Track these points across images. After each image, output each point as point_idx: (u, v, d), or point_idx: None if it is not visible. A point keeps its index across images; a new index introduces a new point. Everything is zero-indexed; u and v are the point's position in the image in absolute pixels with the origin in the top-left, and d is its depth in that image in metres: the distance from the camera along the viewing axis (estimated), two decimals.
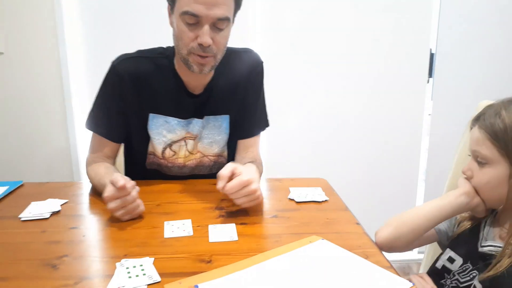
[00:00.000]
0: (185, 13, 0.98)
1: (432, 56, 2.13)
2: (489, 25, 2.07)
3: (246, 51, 1.23)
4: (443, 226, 0.95)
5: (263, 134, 1.29)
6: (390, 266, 0.76)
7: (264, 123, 1.29)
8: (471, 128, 0.86)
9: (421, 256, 2.30)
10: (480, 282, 0.79)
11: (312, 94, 2.08)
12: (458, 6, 2.04)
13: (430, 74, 2.16)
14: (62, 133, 1.99)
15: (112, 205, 0.90)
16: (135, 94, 1.12)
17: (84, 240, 0.85)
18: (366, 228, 0.92)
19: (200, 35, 1.00)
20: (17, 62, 1.92)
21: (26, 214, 0.97)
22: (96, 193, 1.08)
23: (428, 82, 2.16)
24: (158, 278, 0.70)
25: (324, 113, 2.11)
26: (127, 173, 1.32)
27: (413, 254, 2.32)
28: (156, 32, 1.77)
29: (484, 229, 0.86)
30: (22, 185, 1.18)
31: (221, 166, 1.26)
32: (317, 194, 1.10)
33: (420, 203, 2.17)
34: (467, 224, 0.90)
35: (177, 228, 0.90)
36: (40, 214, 0.97)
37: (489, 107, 0.85)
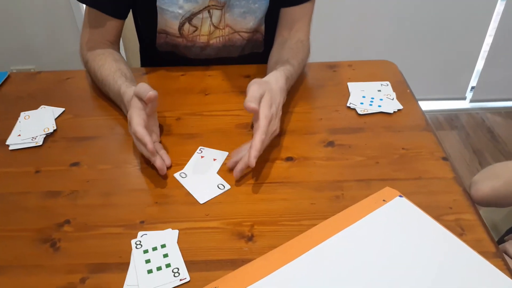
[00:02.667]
0: None
1: None
2: None
3: None
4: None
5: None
6: (495, 253, 0.55)
7: None
8: None
9: (475, 105, 2.09)
10: None
11: None
12: None
13: None
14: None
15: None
16: None
17: (89, 190, 0.67)
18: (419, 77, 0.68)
19: None
20: None
21: (15, 139, 0.77)
22: (102, 95, 0.85)
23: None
24: (187, 276, 0.54)
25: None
26: (142, 58, 1.07)
27: (465, 103, 2.09)
28: None
29: None
30: (8, 78, 0.94)
31: (255, 46, 0.97)
32: (386, 97, 0.82)
33: None
34: None
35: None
36: (32, 138, 0.76)
37: None
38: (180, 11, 0.86)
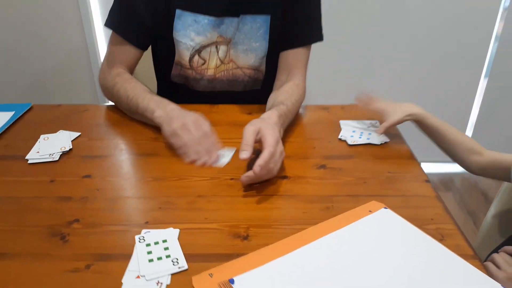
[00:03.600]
0: None
1: None
2: None
3: None
4: None
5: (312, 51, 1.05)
6: (473, 255, 0.60)
7: (316, 35, 1.03)
8: None
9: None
10: None
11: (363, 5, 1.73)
12: None
13: None
14: (78, 33, 1.78)
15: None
16: None
17: (98, 196, 0.72)
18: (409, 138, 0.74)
19: None
20: None
21: (33, 155, 0.84)
22: (114, 123, 0.94)
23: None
24: (185, 264, 0.58)
25: (381, 24, 1.78)
26: (158, 88, 1.19)
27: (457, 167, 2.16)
28: None
29: None
30: (31, 108, 1.03)
31: (256, 83, 1.07)
32: (375, 131, 0.90)
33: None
34: None
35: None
36: (49, 154, 0.84)
37: None
38: (191, 43, 0.98)
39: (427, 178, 0.77)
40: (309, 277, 0.56)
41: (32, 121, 0.98)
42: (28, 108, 1.03)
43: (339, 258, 0.59)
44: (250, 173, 0.70)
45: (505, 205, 0.95)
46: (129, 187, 0.75)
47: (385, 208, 0.68)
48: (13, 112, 1.01)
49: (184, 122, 0.83)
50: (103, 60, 1.02)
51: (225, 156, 0.83)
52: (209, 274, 0.56)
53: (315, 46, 1.04)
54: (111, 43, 1.00)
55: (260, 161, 0.70)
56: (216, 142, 0.84)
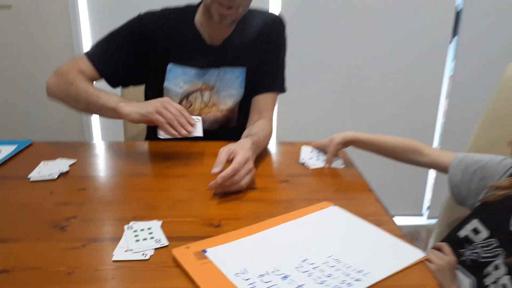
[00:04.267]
0: None
1: (458, 13, 2.01)
2: None
3: (269, 12, 1.23)
4: (458, 176, 0.92)
5: (279, 101, 1.25)
6: (402, 235, 0.73)
7: (281, 86, 1.25)
8: None
9: (432, 221, 2.30)
10: (506, 264, 0.74)
11: (330, 56, 2.01)
12: None
13: (455, 33, 2.05)
14: None
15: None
16: (157, 44, 1.14)
17: (92, 202, 0.85)
18: (380, 194, 0.89)
19: None
20: (25, 15, 1.87)
21: (35, 175, 0.96)
22: (107, 154, 1.07)
23: (451, 42, 2.05)
24: (166, 242, 0.69)
25: (342, 76, 2.05)
26: (148, 131, 1.35)
27: (423, 220, 2.31)
28: None
29: None
30: (31, 144, 1.17)
31: (231, 121, 1.25)
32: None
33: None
34: (500, 194, 0.82)
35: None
36: (49, 174, 0.96)
37: None
38: (180, 90, 1.17)
39: (371, 188, 0.92)
40: (267, 250, 0.68)
41: (32, 153, 1.11)
42: (29, 144, 1.17)
43: (293, 238, 0.71)
44: (215, 181, 0.84)
45: (444, 220, 1.09)
46: (120, 194, 0.88)
47: (334, 205, 0.82)
48: (15, 146, 1.15)
49: (161, 101, 0.97)
50: (61, 66, 1.12)
51: (197, 126, 1.00)
52: (186, 247, 0.67)
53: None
54: (82, 61, 1.12)
55: (223, 173, 0.84)
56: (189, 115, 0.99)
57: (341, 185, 0.94)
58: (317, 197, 0.87)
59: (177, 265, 0.64)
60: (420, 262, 0.66)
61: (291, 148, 1.17)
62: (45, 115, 2.00)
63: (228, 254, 0.66)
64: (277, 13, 1.23)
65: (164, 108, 0.96)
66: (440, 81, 2.10)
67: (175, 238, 0.71)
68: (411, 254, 0.67)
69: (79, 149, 1.15)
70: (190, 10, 1.17)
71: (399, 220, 2.27)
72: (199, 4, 1.16)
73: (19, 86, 1.97)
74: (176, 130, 0.96)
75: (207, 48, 1.16)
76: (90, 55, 1.13)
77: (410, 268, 0.65)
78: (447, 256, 0.80)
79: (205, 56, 1.16)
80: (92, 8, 1.89)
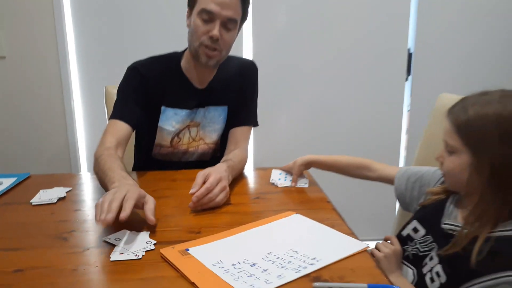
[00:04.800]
0: (203, 10, 1.19)
1: (410, 55, 2.27)
2: (464, 25, 2.21)
3: (244, 58, 1.45)
4: (402, 186, 1.09)
5: (253, 134, 1.42)
6: (351, 233, 0.89)
7: (254, 120, 1.44)
8: (445, 119, 0.91)
9: None
10: (438, 255, 0.88)
11: (299, 95, 2.22)
12: (434, 8, 2.19)
13: (409, 73, 2.30)
14: (61, 132, 2.11)
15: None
16: (150, 91, 1.29)
17: (89, 219, 0.98)
18: (343, 213, 1.04)
19: (211, 30, 1.19)
20: (18, 65, 2.05)
21: (36, 200, 1.09)
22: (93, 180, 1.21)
23: (407, 79, 2.30)
24: (153, 246, 0.83)
25: (309, 113, 2.25)
26: (135, 162, 1.48)
27: None
28: (150, 43, 1.91)
29: (449, 207, 0.95)
30: (29, 177, 1.30)
31: (215, 152, 1.40)
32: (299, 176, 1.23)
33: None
34: (434, 198, 0.98)
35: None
36: (49, 199, 1.09)
37: (461, 100, 0.91)
38: (172, 129, 1.33)
39: (328, 200, 1.08)
40: (239, 247, 0.82)
41: (31, 184, 1.24)
42: (27, 176, 1.30)
43: (260, 237, 0.86)
44: (192, 200, 0.99)
45: (397, 225, 1.25)
46: None
47: (297, 214, 0.98)
48: (15, 178, 1.27)
49: (116, 190, 0.89)
50: (99, 141, 1.23)
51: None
52: (172, 247, 0.81)
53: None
54: (108, 126, 1.26)
55: (197, 192, 0.99)
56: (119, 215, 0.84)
57: (304, 199, 1.10)
58: (283, 209, 1.02)
59: (165, 260, 0.78)
60: (364, 251, 0.81)
61: (263, 173, 1.33)
62: (36, 155, 2.13)
63: (207, 251, 0.80)
64: (250, 59, 1.43)
65: (112, 192, 0.89)
66: (400, 116, 2.33)
67: (162, 242, 0.84)
68: (356, 245, 0.82)
69: (73, 179, 1.29)
70: (176, 57, 1.34)
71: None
72: (184, 51, 1.34)
73: (12, 129, 2.11)
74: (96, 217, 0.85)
75: (195, 91, 1.33)
76: (114, 115, 1.26)
77: (355, 256, 0.79)
78: (393, 246, 0.95)
79: (193, 98, 1.33)
80: (81, 58, 2.08)
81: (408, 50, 2.25)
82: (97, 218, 0.83)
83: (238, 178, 1.25)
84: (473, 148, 0.84)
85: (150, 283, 0.71)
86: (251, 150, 2.22)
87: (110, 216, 0.81)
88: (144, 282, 0.72)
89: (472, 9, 2.20)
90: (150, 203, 0.91)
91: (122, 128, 1.24)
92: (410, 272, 0.94)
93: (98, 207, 0.85)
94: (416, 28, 2.22)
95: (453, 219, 0.92)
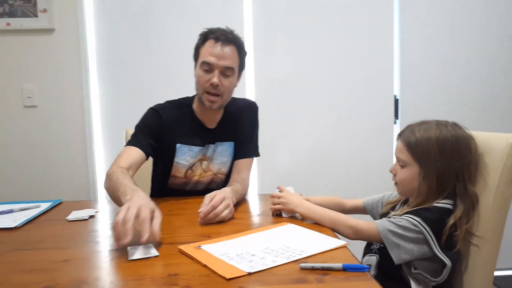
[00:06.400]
0: (203, 62, 1.43)
1: (396, 101, 2.53)
2: (444, 74, 2.49)
3: (246, 99, 1.71)
4: (369, 205, 1.35)
5: (257, 164, 1.64)
6: (336, 236, 1.07)
7: (255, 152, 1.66)
8: (397, 141, 1.20)
9: None
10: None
11: (296, 134, 2.46)
12: (415, 58, 2.48)
13: (396, 116, 2.54)
14: (83, 172, 2.34)
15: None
16: (167, 131, 1.51)
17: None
18: None
19: (211, 78, 1.42)
20: (48, 113, 2.31)
21: (70, 217, 1.29)
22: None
23: (395, 123, 2.54)
24: (157, 253, 1.02)
25: (307, 145, 2.47)
26: (151, 193, 1.67)
27: None
28: (166, 89, 2.19)
29: (398, 209, 1.20)
30: (61, 203, 1.50)
31: (225, 183, 1.60)
32: None
33: None
34: (386, 208, 1.26)
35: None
36: (81, 216, 1.29)
37: (408, 126, 1.19)
38: (187, 163, 1.54)
39: None
40: (241, 244, 1.01)
41: (63, 207, 1.45)
42: (60, 202, 1.51)
43: (259, 238, 1.04)
44: (200, 216, 1.18)
45: None
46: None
47: (291, 224, 1.16)
48: (50, 203, 1.48)
49: (129, 205, 0.98)
50: (110, 167, 1.40)
51: (137, 251, 0.95)
52: (187, 245, 1.00)
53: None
54: (122, 150, 1.44)
55: (204, 209, 1.18)
56: (140, 230, 0.95)
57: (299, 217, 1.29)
58: (281, 222, 1.21)
59: (182, 253, 0.96)
60: (343, 247, 0.99)
61: (265, 197, 1.53)
62: (58, 191, 2.34)
63: (216, 247, 0.99)
64: (252, 99, 1.69)
65: (126, 209, 0.97)
66: (390, 155, 2.54)
67: (178, 243, 1.03)
68: (337, 243, 1.01)
69: (100, 203, 1.49)
70: (188, 101, 1.59)
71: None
72: (194, 96, 1.59)
73: (39, 167, 2.34)
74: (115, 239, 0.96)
75: (206, 130, 1.56)
76: (131, 142, 1.45)
77: (335, 249, 0.97)
78: (281, 192, 1.28)
79: (204, 137, 1.56)
80: (103, 102, 2.35)
81: (395, 96, 2.51)
82: (115, 243, 0.95)
83: (242, 202, 1.44)
84: (421, 161, 1.10)
85: (172, 266, 0.90)
86: (255, 177, 2.42)
87: (126, 241, 0.92)
88: (166, 266, 0.90)
89: (450, 57, 2.48)
90: (157, 219, 0.98)
91: (135, 153, 1.40)
92: (373, 259, 1.15)
93: (115, 230, 0.94)
94: (400, 76, 2.50)
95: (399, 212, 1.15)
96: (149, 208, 0.99)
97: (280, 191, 1.30)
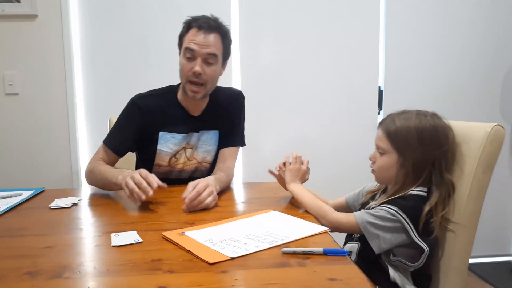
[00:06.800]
0: (186, 49, 1.43)
1: (381, 92, 2.56)
2: (428, 66, 2.53)
3: (233, 88, 1.70)
4: (350, 199, 1.39)
5: (242, 153, 1.64)
6: (318, 223, 1.09)
7: (241, 141, 1.67)
8: (378, 129, 1.21)
9: None
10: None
11: (281, 124, 2.47)
12: (400, 49, 2.50)
13: (380, 107, 2.57)
14: (66, 160, 2.31)
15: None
16: (149, 120, 1.50)
17: (99, 217, 1.17)
18: None
19: (194, 66, 1.41)
20: (30, 100, 2.27)
21: (53, 205, 1.28)
22: (99, 191, 1.41)
23: (379, 114, 2.57)
24: (141, 240, 1.02)
25: (292, 135, 2.49)
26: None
27: None
28: (151, 78, 2.17)
29: (377, 198, 1.22)
30: (44, 191, 1.49)
31: (210, 171, 1.61)
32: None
33: None
34: (366, 197, 1.29)
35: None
36: (64, 204, 1.28)
37: (389, 115, 1.21)
38: (170, 151, 1.54)
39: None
40: (225, 231, 1.02)
41: (46, 195, 1.44)
42: (42, 190, 1.49)
43: (242, 224, 1.06)
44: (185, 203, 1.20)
45: None
46: (121, 212, 1.21)
47: (275, 211, 1.18)
48: (33, 191, 1.47)
49: (129, 176, 1.22)
50: (91, 158, 1.51)
51: (120, 238, 0.98)
52: (171, 231, 1.01)
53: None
54: (99, 149, 1.52)
55: (189, 195, 1.20)
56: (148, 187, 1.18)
57: (286, 202, 1.30)
58: (264, 208, 1.23)
59: (165, 239, 0.97)
60: (325, 233, 1.01)
61: (250, 186, 1.54)
62: (41, 179, 2.32)
63: (199, 233, 1.00)
64: (239, 88, 1.68)
65: (131, 178, 1.21)
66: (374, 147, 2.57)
67: (162, 230, 1.04)
68: (318, 228, 1.03)
69: (83, 191, 1.48)
70: (173, 89, 1.58)
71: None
72: (179, 84, 1.58)
73: (22, 155, 2.31)
74: (138, 198, 1.19)
75: (190, 118, 1.56)
76: (106, 143, 1.51)
77: (316, 235, 0.99)
78: (300, 166, 1.33)
79: (188, 124, 1.55)
80: (86, 95, 2.32)
81: (379, 87, 2.54)
82: (137, 200, 1.19)
83: (226, 190, 1.45)
84: (400, 150, 1.12)
85: (155, 252, 0.90)
86: (240, 166, 2.43)
87: (151, 193, 1.18)
88: (150, 252, 0.91)
89: (435, 51, 2.52)
90: (152, 175, 1.22)
91: (110, 155, 1.51)
92: (355, 246, 1.18)
93: (134, 193, 1.19)
94: (384, 68, 2.53)
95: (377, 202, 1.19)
96: (143, 171, 1.22)
97: (295, 159, 1.36)
